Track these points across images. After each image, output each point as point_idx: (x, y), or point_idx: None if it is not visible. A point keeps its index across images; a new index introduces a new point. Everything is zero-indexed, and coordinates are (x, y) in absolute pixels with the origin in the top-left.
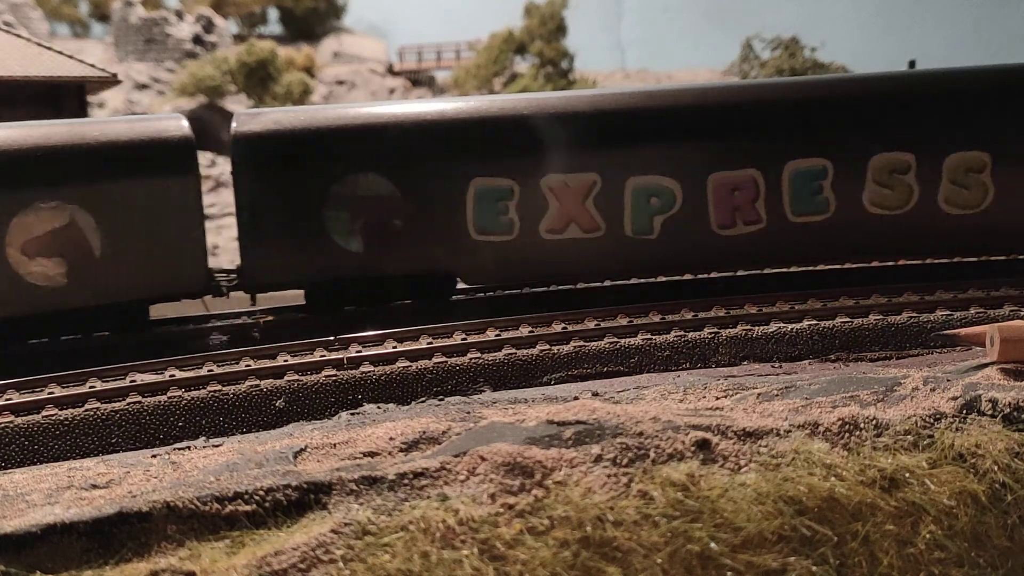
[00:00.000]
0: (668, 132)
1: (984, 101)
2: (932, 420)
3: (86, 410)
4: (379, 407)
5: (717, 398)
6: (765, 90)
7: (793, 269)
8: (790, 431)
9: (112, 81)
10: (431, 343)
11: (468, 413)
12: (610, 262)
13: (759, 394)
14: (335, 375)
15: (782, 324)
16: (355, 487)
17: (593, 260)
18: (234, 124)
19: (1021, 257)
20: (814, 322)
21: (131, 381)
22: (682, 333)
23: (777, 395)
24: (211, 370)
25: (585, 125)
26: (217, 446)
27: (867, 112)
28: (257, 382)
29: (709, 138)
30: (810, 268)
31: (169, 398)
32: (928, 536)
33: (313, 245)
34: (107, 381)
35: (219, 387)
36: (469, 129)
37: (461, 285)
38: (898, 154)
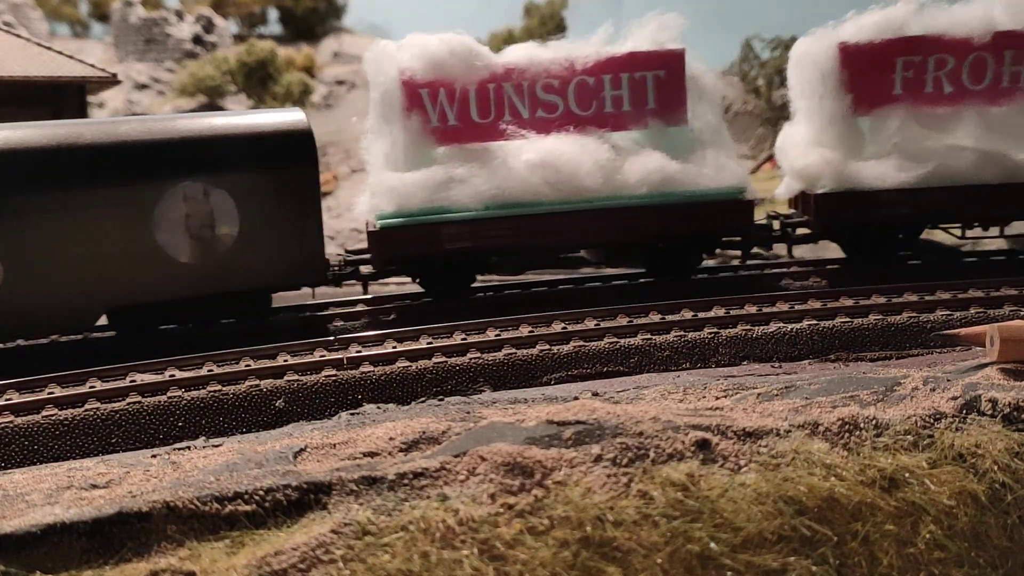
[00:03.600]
0: None
1: None
2: (932, 420)
3: (86, 410)
4: (379, 407)
5: (717, 398)
6: None
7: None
8: (790, 431)
9: (112, 81)
10: (431, 343)
11: (468, 413)
12: None
13: (759, 394)
14: (335, 375)
15: (782, 324)
16: (355, 487)
17: None
18: None
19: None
20: (814, 322)
21: (131, 381)
22: (682, 333)
23: (777, 395)
24: (211, 370)
25: None
26: (217, 446)
27: None
28: (257, 382)
29: None
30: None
31: (169, 398)
32: (928, 536)
33: None
34: (107, 381)
35: (219, 387)
36: None
37: None
38: None
